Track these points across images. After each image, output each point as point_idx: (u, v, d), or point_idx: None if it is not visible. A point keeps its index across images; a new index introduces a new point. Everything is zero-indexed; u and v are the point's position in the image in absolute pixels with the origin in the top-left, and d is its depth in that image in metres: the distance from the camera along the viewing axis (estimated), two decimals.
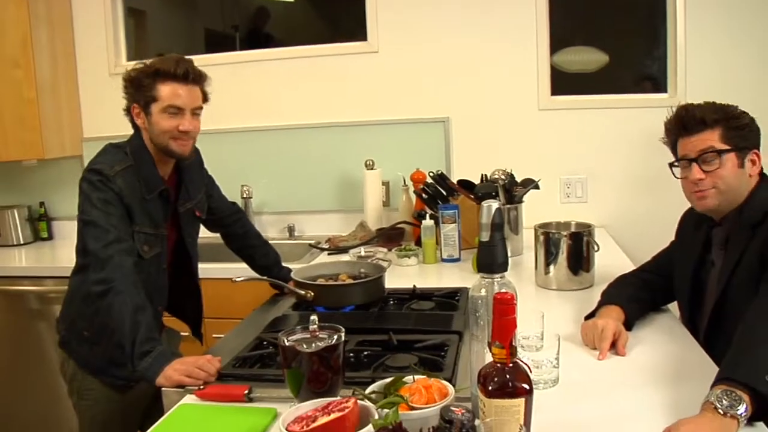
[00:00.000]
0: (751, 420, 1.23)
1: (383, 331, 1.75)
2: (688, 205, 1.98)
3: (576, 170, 3.12)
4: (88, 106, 3.49)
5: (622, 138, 3.05)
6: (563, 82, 3.14)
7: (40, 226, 3.61)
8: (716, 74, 2.92)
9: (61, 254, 3.33)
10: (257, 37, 3.73)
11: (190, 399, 1.50)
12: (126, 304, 1.70)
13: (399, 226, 2.96)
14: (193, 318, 2.25)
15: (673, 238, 2.05)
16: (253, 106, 3.30)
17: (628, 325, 1.76)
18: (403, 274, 2.50)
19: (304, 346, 1.30)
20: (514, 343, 1.19)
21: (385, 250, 2.73)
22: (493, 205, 1.30)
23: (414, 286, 2.17)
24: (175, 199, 2.05)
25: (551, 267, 2.21)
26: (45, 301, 3.02)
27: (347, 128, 3.24)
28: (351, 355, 1.66)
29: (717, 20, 2.93)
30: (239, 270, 2.37)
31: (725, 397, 1.23)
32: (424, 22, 3.14)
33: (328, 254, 2.88)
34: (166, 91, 1.88)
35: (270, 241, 3.23)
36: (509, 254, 2.55)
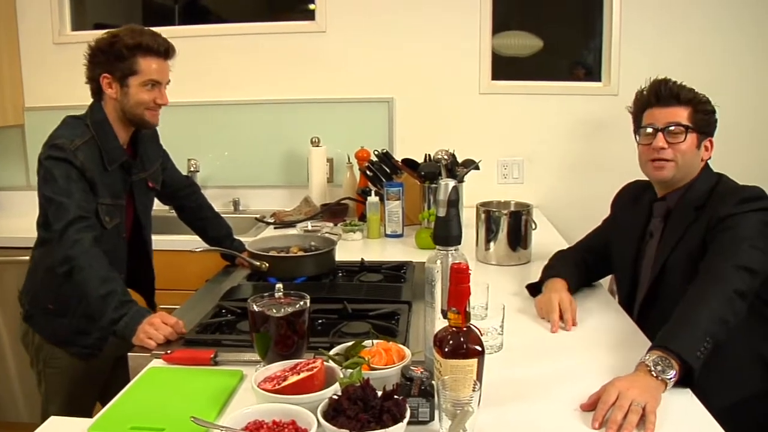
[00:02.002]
0: (675, 386, 1.39)
1: (337, 301, 1.86)
2: (617, 187, 2.16)
3: (513, 153, 3.27)
4: (31, 75, 3.42)
5: (558, 123, 3.22)
6: (502, 67, 3.28)
7: None
8: (648, 66, 3.09)
9: (5, 224, 3.27)
10: (195, 11, 3.71)
11: (158, 363, 1.57)
12: (92, 279, 1.75)
13: (343, 202, 3.06)
14: (147, 288, 2.29)
15: (602, 218, 2.20)
16: (201, 81, 3.31)
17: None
18: (349, 248, 2.60)
19: (273, 311, 1.39)
20: (468, 309, 1.31)
21: (331, 224, 2.82)
22: (450, 183, 1.42)
23: (362, 259, 2.28)
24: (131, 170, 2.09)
25: (491, 244, 2.35)
26: None
27: (293, 105, 3.30)
28: (318, 322, 1.76)
29: (651, 13, 3.11)
30: (191, 242, 2.43)
31: (660, 362, 1.38)
32: (372, 4, 3.22)
33: (274, 228, 2.95)
34: (146, 65, 1.92)
35: None
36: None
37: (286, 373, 1.31)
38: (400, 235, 2.75)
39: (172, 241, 2.73)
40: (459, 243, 1.43)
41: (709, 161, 1.89)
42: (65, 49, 3.30)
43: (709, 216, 1.75)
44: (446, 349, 1.29)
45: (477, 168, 2.86)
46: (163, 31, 3.21)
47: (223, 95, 3.33)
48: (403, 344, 1.56)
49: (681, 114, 1.83)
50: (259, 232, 2.94)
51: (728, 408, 1.42)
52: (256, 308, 1.41)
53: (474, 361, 1.29)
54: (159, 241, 2.55)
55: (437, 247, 1.43)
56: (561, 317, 1.78)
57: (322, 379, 1.29)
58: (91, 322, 1.94)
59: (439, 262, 1.42)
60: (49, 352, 2.05)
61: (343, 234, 2.73)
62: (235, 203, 3.36)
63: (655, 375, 1.37)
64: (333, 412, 1.17)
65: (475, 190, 2.92)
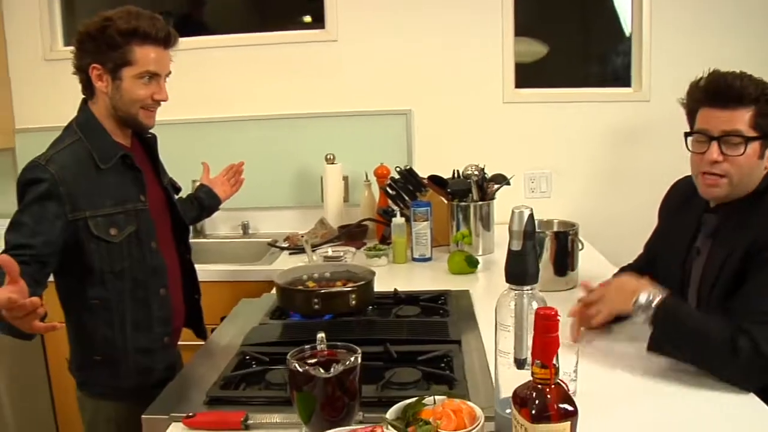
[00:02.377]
0: None
1: (377, 342, 1.63)
2: (654, 200, 1.93)
3: (540, 165, 3.07)
4: (20, 95, 3.19)
5: (587, 132, 3.02)
6: (525, 75, 3.09)
7: None
8: (682, 69, 2.90)
9: None
10: (191, 25, 3.50)
11: (177, 428, 1.34)
12: None
13: (364, 223, 2.84)
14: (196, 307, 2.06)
15: (637, 234, 1.99)
16: (204, 97, 3.10)
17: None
18: (380, 275, 2.38)
19: (321, 371, 1.17)
20: (556, 363, 1.10)
21: (353, 249, 2.60)
22: (525, 211, 1.21)
23: (395, 289, 2.06)
24: (155, 171, 1.94)
25: None
26: None
27: (304, 120, 3.09)
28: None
29: (681, 14, 2.92)
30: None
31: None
32: (386, 10, 3.02)
33: (289, 254, 2.74)
34: (143, 54, 1.68)
35: (223, 240, 3.11)
36: (481, 252, 2.55)
37: None
38: (429, 259, 2.53)
39: None
40: (536, 281, 1.22)
41: None
42: (57, 65, 3.07)
43: (754, 234, 1.50)
44: (533, 411, 1.07)
45: (508, 184, 2.66)
46: None
47: (228, 111, 3.12)
48: (465, 396, 1.36)
49: (741, 118, 1.52)
50: (273, 258, 2.73)
51: None
52: (299, 368, 1.18)
53: (567, 425, 1.07)
54: None
55: (510, 285, 1.22)
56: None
57: None
58: (150, 357, 1.80)
59: (513, 304, 1.21)
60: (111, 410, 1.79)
61: (366, 259, 2.51)
62: (244, 227, 3.15)
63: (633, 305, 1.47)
64: None
65: (500, 206, 2.72)
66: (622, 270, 2.00)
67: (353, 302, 1.85)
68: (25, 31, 3.13)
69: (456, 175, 2.65)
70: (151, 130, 1.91)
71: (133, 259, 1.75)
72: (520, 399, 1.11)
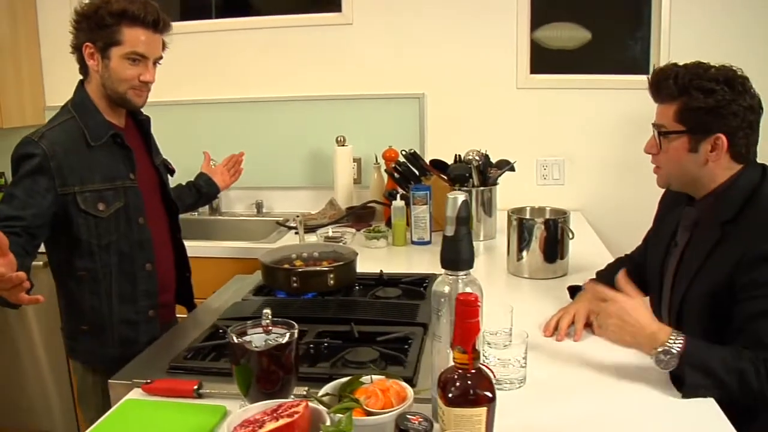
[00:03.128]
0: None
1: (345, 321, 1.67)
2: None
3: (553, 152, 3.03)
4: (51, 73, 3.32)
5: (602, 120, 2.97)
6: (544, 60, 3.04)
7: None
8: (701, 56, 2.83)
9: None
10: (234, 4, 3.54)
11: (136, 393, 1.41)
12: None
13: (370, 205, 2.87)
14: (186, 285, 2.12)
15: (650, 223, 1.94)
16: (220, 78, 3.17)
17: None
18: (372, 257, 2.42)
19: (254, 344, 1.21)
20: (477, 347, 1.11)
21: (353, 230, 2.63)
22: (460, 197, 1.22)
23: (381, 271, 2.09)
24: (148, 151, 1.99)
25: (524, 254, 2.14)
26: None
27: (318, 102, 3.11)
28: (311, 346, 1.58)
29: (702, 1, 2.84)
30: (210, 248, 2.48)
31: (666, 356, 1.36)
32: None
33: (295, 233, 2.78)
34: (131, 35, 1.74)
35: (237, 218, 3.19)
36: (482, 237, 2.55)
37: (265, 417, 1.13)
38: (428, 243, 2.55)
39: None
40: (470, 267, 1.23)
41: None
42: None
43: (743, 247, 1.44)
44: (450, 395, 1.09)
45: (512, 169, 2.64)
46: (184, 26, 3.15)
47: (244, 92, 3.16)
48: (411, 378, 1.38)
49: (666, 112, 1.55)
50: (280, 236, 2.79)
51: None
52: (236, 340, 1.23)
53: (482, 410, 1.09)
54: None
55: (445, 271, 1.23)
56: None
57: (305, 426, 1.10)
58: (133, 328, 1.85)
59: (447, 288, 1.22)
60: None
61: (365, 241, 2.54)
62: (258, 206, 3.21)
63: (653, 352, 1.37)
64: None
65: (512, 193, 2.72)
66: (620, 261, 1.98)
67: (331, 282, 1.89)
68: (57, 11, 3.23)
69: (458, 159, 2.64)
70: (146, 112, 1.98)
71: (120, 234, 1.81)
72: (441, 382, 1.13)
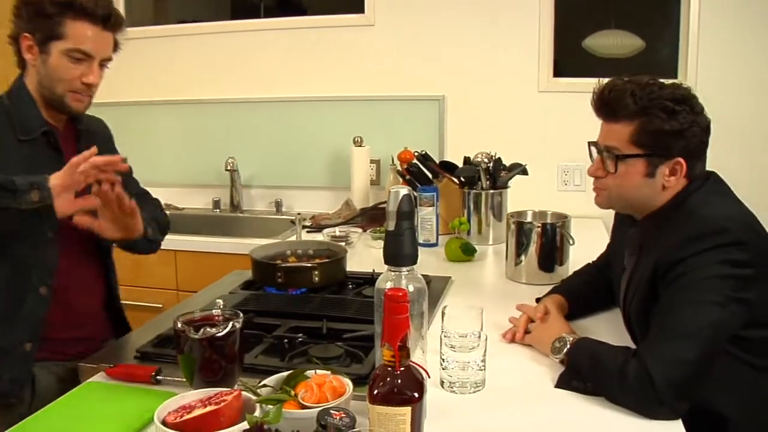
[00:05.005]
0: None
1: (321, 318, 1.67)
2: None
3: (575, 157, 2.95)
4: None
5: None
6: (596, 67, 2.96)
7: None
8: (729, 58, 2.73)
9: None
10: (286, 5, 3.55)
11: (100, 377, 1.44)
12: None
13: (382, 206, 2.86)
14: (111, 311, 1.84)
15: None
16: (242, 77, 3.22)
17: (570, 316, 1.67)
18: (377, 257, 2.40)
19: (193, 333, 1.22)
20: (407, 345, 1.09)
21: (360, 230, 2.62)
22: (401, 191, 1.20)
23: (373, 270, 2.07)
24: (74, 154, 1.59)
25: (522, 258, 2.09)
26: None
27: (339, 103, 3.13)
28: (285, 342, 1.58)
29: (732, 4, 2.73)
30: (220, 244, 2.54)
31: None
32: None
33: (307, 231, 2.80)
34: (76, 30, 1.52)
35: (256, 216, 3.22)
36: (491, 241, 2.51)
37: (197, 404, 1.14)
38: (434, 245, 2.52)
39: (196, 242, 2.66)
40: (413, 263, 1.21)
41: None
42: None
43: (658, 254, 1.39)
44: (375, 392, 1.08)
45: (524, 173, 2.59)
46: (206, 27, 3.20)
47: (266, 92, 3.20)
48: (368, 376, 1.36)
49: (621, 134, 1.42)
50: (292, 235, 2.80)
51: None
52: (179, 326, 1.24)
53: (406, 410, 1.06)
54: (181, 242, 2.61)
55: (387, 267, 1.22)
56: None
57: (232, 415, 1.11)
58: (6, 358, 1.53)
59: (390, 284, 1.21)
60: None
61: (371, 241, 2.53)
62: (278, 204, 3.24)
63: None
64: None
65: (532, 198, 2.65)
66: (585, 267, 1.93)
67: (316, 278, 1.89)
68: None
69: (467, 161, 2.61)
70: (106, 120, 1.82)
71: (26, 246, 1.54)
72: (371, 379, 1.11)
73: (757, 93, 2.72)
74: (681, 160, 1.41)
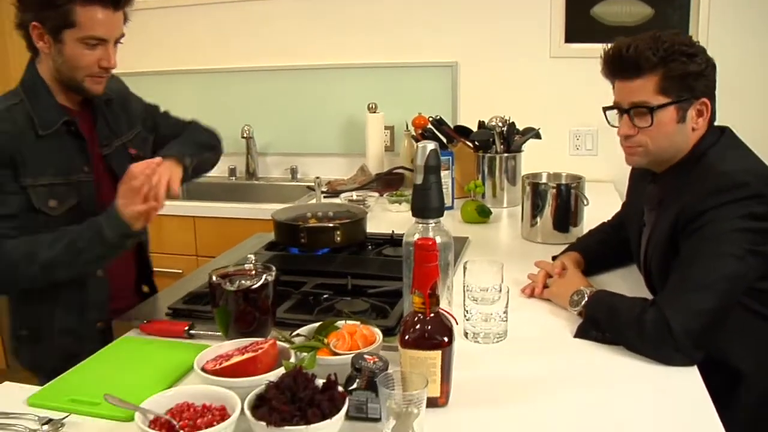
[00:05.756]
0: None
1: (345, 275, 1.72)
2: None
3: (587, 122, 2.98)
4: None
5: None
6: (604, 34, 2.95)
7: None
8: (741, 23, 2.74)
9: None
10: None
11: (133, 333, 1.50)
12: (37, 252, 1.47)
13: (396, 171, 2.90)
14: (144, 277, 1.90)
15: None
16: (256, 46, 3.23)
17: (586, 273, 1.70)
18: (393, 220, 2.45)
19: (229, 285, 1.27)
20: (436, 292, 1.14)
21: (376, 195, 2.67)
22: (429, 145, 1.24)
23: (392, 231, 2.12)
24: (95, 139, 1.69)
25: (537, 219, 2.13)
26: None
27: (353, 70, 3.14)
28: (310, 298, 1.63)
29: None
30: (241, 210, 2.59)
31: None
32: None
33: (324, 197, 2.84)
34: (87, 16, 1.48)
35: (272, 183, 3.26)
36: (506, 204, 2.55)
37: (234, 353, 1.19)
38: (450, 208, 2.55)
39: (216, 208, 2.72)
40: (440, 215, 1.26)
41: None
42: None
43: (681, 205, 1.42)
44: (407, 338, 1.13)
45: (538, 136, 2.62)
46: None
47: (280, 60, 3.21)
48: (393, 328, 1.42)
49: (646, 88, 1.44)
50: (309, 200, 2.85)
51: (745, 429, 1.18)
52: (214, 280, 1.29)
53: (437, 354, 1.12)
54: (203, 208, 2.69)
55: (415, 219, 1.26)
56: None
57: (269, 363, 1.16)
58: (78, 341, 1.61)
59: (417, 236, 1.25)
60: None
61: (388, 204, 2.58)
62: (293, 171, 3.27)
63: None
64: (259, 400, 1.04)
65: (544, 162, 2.68)
66: (597, 228, 1.97)
67: (339, 238, 1.94)
68: None
69: (481, 126, 2.64)
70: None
71: None
72: (402, 325, 1.16)
73: None
74: (705, 100, 1.45)
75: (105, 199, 1.59)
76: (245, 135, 3.18)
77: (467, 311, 1.44)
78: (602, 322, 1.40)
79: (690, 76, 1.42)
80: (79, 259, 1.49)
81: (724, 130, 1.51)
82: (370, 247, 2.06)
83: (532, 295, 1.66)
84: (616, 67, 1.50)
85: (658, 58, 1.41)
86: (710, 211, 1.36)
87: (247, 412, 1.01)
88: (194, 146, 1.84)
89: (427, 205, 1.24)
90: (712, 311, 1.31)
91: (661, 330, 1.28)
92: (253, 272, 1.34)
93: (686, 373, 1.27)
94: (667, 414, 1.14)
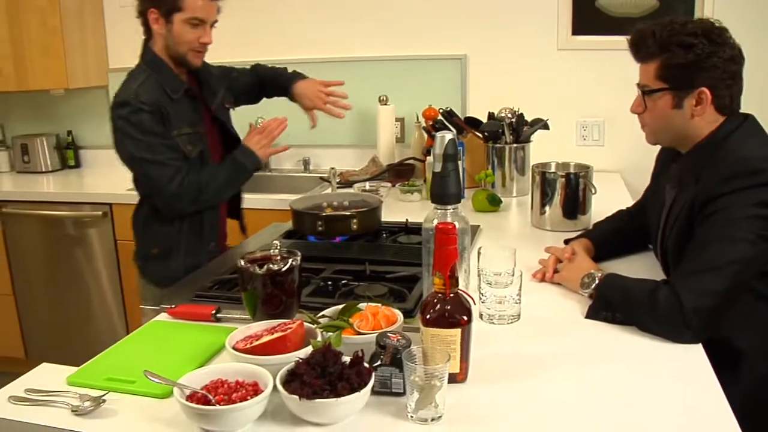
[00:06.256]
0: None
1: (363, 262, 1.78)
2: None
3: (594, 113, 3.04)
4: (113, 36, 3.53)
5: None
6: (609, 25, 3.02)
7: (68, 154, 3.72)
8: (747, 11, 2.78)
9: (92, 182, 3.46)
10: None
11: (162, 317, 1.56)
12: (216, 182, 2.05)
13: (407, 162, 2.96)
14: (237, 209, 2.42)
15: None
16: (269, 40, 3.31)
17: (596, 260, 1.76)
18: (406, 209, 2.51)
19: (257, 269, 1.33)
20: (456, 274, 1.20)
21: (389, 185, 2.73)
22: (447, 135, 1.30)
23: (407, 220, 2.18)
24: (203, 100, 2.17)
25: (546, 208, 2.19)
26: (78, 226, 3.16)
27: (365, 63, 3.21)
28: (329, 283, 1.69)
29: None
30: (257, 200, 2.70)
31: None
32: None
33: (338, 187, 2.90)
34: (192, 2, 1.96)
35: (284, 174, 3.33)
36: (515, 193, 2.61)
37: (264, 333, 1.25)
38: (461, 197, 2.61)
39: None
40: (458, 201, 1.32)
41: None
42: None
43: (697, 189, 1.49)
44: (428, 317, 1.19)
45: (546, 127, 2.68)
46: None
47: (293, 53, 3.27)
48: (412, 310, 1.48)
49: (648, 71, 1.54)
50: (323, 190, 2.91)
51: (745, 407, 1.24)
52: (243, 264, 1.36)
53: (456, 332, 1.18)
54: None
55: (434, 205, 1.32)
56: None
57: (297, 342, 1.22)
58: (196, 257, 2.06)
59: (436, 221, 1.31)
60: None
61: (400, 194, 2.64)
62: (305, 162, 3.34)
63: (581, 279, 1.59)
64: (290, 376, 1.10)
65: (552, 153, 2.73)
66: (618, 214, 2.03)
67: (355, 226, 2.01)
68: None
69: (491, 117, 2.69)
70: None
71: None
72: (422, 305, 1.23)
73: None
74: (705, 89, 1.49)
75: (211, 147, 2.14)
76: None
77: (482, 294, 1.50)
78: (615, 302, 1.46)
79: (684, 66, 1.48)
80: (235, 183, 2.14)
81: (747, 117, 1.56)
82: (384, 234, 2.13)
83: (543, 280, 1.72)
84: (630, 49, 1.58)
85: (657, 47, 1.49)
86: (724, 196, 1.41)
87: (280, 387, 1.07)
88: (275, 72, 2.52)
89: (446, 192, 1.30)
90: (722, 292, 1.37)
91: (674, 307, 1.34)
92: (279, 257, 1.40)
93: (691, 351, 1.32)
94: (673, 390, 1.19)
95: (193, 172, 2.02)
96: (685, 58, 1.47)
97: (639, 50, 1.54)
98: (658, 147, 2.80)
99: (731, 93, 1.52)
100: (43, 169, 3.63)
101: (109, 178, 3.32)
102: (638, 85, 1.60)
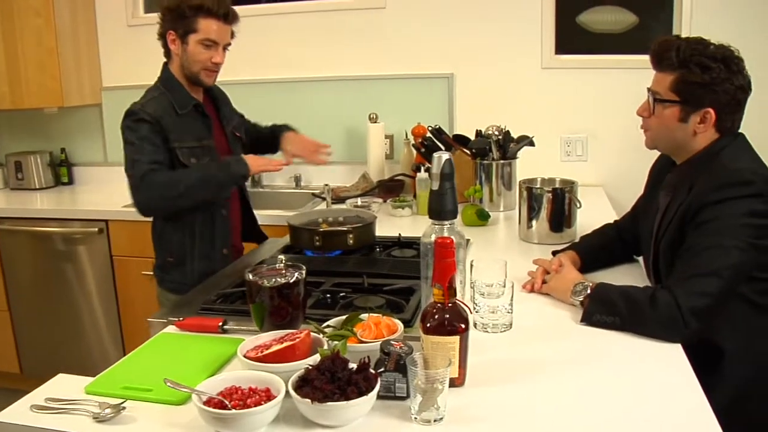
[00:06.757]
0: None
1: (360, 275, 1.86)
2: None
3: (577, 129, 3.15)
4: (107, 56, 3.60)
5: (625, 98, 2.99)
6: (590, 41, 3.14)
7: (61, 171, 3.77)
8: (726, 32, 2.88)
9: (84, 198, 3.50)
10: None
11: (171, 329, 1.63)
12: (184, 178, 2.09)
13: (398, 178, 3.05)
14: (251, 229, 2.51)
15: None
16: (260, 60, 3.39)
17: (582, 271, 1.85)
18: (397, 224, 2.59)
19: (265, 282, 1.41)
20: (454, 285, 1.28)
21: (380, 200, 2.82)
22: (444, 156, 1.39)
23: (399, 234, 2.26)
24: (218, 119, 2.32)
25: (533, 221, 2.28)
26: (71, 242, 3.20)
27: (353, 82, 3.31)
28: (328, 296, 1.77)
29: None
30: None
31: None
32: None
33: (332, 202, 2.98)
34: (205, 25, 2.10)
35: (276, 191, 3.40)
36: (502, 208, 2.70)
37: (273, 342, 1.33)
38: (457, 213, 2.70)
39: None
40: (454, 217, 1.40)
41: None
42: (138, 30, 3.46)
43: (690, 198, 1.60)
44: (428, 325, 1.27)
45: (531, 144, 2.78)
46: None
47: (283, 73, 3.38)
48: (409, 320, 1.56)
49: (663, 81, 1.64)
50: (314, 206, 2.99)
51: (727, 406, 1.33)
52: (251, 278, 1.43)
53: (455, 339, 1.26)
54: None
55: (432, 221, 1.41)
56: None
57: (305, 350, 1.30)
58: (210, 264, 2.19)
59: (433, 236, 1.40)
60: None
61: (392, 210, 2.72)
62: (297, 179, 3.42)
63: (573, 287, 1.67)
64: (301, 381, 1.18)
65: (538, 168, 2.83)
66: (605, 227, 2.13)
67: (351, 241, 2.08)
68: (111, 0, 3.52)
69: (479, 134, 2.79)
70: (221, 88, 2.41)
71: None
72: (422, 315, 1.31)
73: (751, 68, 2.89)
74: (711, 110, 1.60)
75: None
76: None
77: (476, 304, 1.58)
78: (616, 305, 1.54)
79: (699, 85, 1.59)
80: (210, 183, 2.12)
81: (738, 136, 1.68)
82: (378, 249, 2.20)
83: (532, 291, 1.81)
84: (651, 57, 1.68)
85: (678, 61, 1.60)
86: (718, 204, 1.53)
87: (292, 392, 1.15)
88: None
89: (443, 208, 1.38)
90: (715, 295, 1.48)
91: (672, 309, 1.45)
92: (284, 271, 1.48)
93: (672, 351, 1.43)
94: (655, 390, 1.28)
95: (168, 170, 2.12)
96: (701, 77, 1.57)
97: (660, 60, 1.64)
98: (640, 161, 2.93)
99: (734, 118, 1.64)
100: (37, 186, 3.68)
101: (102, 195, 3.38)
102: (650, 90, 1.70)
